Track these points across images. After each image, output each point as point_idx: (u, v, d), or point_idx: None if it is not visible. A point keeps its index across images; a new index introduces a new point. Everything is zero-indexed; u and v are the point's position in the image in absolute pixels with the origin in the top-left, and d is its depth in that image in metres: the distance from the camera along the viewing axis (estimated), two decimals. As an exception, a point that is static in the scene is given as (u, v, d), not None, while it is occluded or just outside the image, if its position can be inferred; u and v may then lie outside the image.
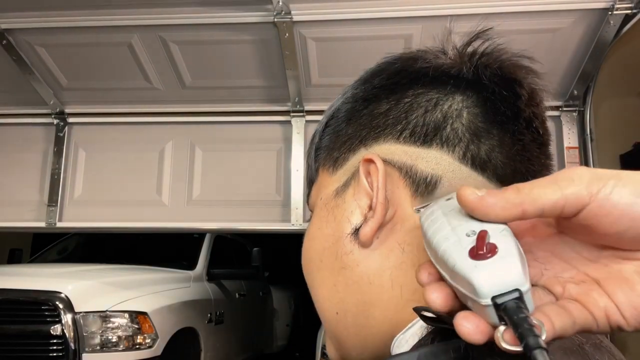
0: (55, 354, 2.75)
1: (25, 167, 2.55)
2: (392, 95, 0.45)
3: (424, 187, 0.42)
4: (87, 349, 2.78)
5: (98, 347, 2.82)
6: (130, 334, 2.91)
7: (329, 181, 0.47)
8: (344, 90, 0.51)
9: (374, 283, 0.42)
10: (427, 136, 0.43)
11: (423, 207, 0.39)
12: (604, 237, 0.30)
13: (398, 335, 0.41)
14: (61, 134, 2.53)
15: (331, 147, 0.48)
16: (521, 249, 0.31)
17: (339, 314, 0.44)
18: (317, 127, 0.52)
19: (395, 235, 0.42)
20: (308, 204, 0.52)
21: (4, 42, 2.16)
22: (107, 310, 2.88)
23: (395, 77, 0.46)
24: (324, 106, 2.37)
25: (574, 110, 2.27)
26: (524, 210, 0.30)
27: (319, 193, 0.48)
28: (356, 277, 0.43)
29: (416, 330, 0.39)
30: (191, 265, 4.05)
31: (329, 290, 0.45)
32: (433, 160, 0.42)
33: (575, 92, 2.20)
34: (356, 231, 0.43)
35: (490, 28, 0.44)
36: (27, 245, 5.74)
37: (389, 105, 0.45)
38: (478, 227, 0.31)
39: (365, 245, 0.42)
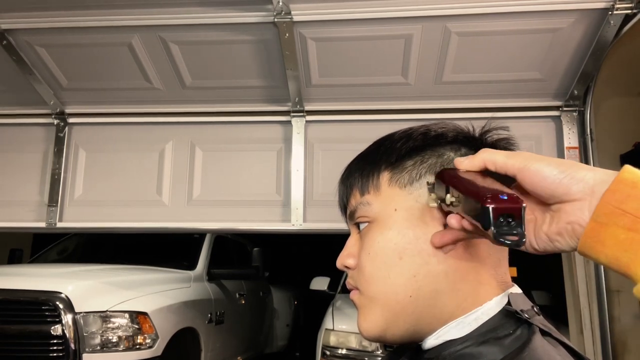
0: (55, 354, 2.74)
1: (26, 167, 2.55)
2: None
3: None
4: (87, 349, 2.78)
5: (98, 347, 2.82)
6: (131, 334, 2.91)
7: (406, 198, 0.59)
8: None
9: (449, 277, 0.57)
10: None
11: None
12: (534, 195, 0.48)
13: (459, 318, 0.56)
14: (61, 134, 2.53)
15: (413, 171, 0.60)
16: None
17: (412, 297, 0.57)
18: (399, 148, 0.62)
19: (465, 249, 0.57)
20: (358, 205, 0.62)
21: (4, 42, 2.16)
22: (107, 311, 2.88)
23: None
24: (324, 106, 2.38)
25: (574, 110, 2.26)
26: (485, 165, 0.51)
27: (390, 203, 0.60)
28: (436, 272, 0.57)
29: (478, 315, 0.56)
30: (191, 266, 4.05)
31: (408, 279, 0.57)
32: None
33: (576, 92, 2.20)
34: None
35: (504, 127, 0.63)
36: (27, 245, 5.73)
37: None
38: None
39: (445, 251, 0.57)
